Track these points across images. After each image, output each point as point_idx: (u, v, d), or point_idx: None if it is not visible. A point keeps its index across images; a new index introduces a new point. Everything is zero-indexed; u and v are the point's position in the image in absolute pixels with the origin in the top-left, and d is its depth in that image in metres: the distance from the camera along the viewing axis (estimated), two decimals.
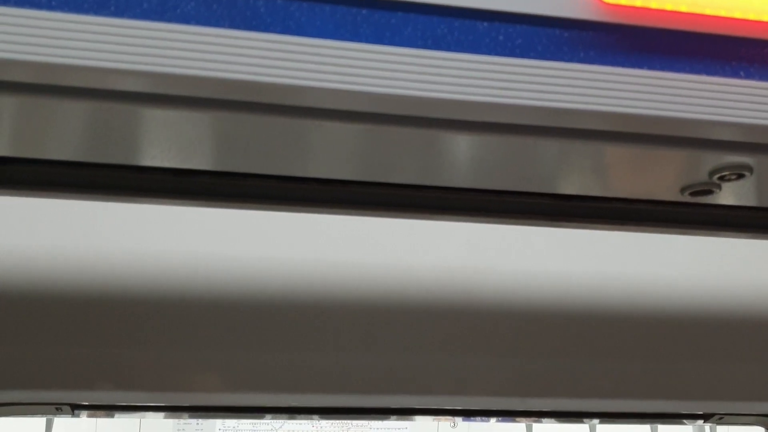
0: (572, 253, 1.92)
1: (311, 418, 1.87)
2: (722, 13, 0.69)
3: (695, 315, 1.91)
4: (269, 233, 1.72)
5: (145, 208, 1.53)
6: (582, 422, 2.19)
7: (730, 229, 0.96)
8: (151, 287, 1.58)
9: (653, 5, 0.67)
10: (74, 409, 1.66)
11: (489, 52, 0.64)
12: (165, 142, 0.75)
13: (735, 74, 0.68)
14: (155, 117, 0.68)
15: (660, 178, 0.80)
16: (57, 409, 1.65)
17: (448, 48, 0.64)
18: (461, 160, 0.78)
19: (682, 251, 1.97)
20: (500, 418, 2.11)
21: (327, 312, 1.76)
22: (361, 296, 1.78)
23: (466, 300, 1.86)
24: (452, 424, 5.14)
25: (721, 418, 1.91)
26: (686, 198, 0.84)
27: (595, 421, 2.21)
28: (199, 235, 1.62)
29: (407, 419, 4.45)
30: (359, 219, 1.82)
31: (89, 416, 1.77)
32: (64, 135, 0.75)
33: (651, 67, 0.67)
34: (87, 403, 1.66)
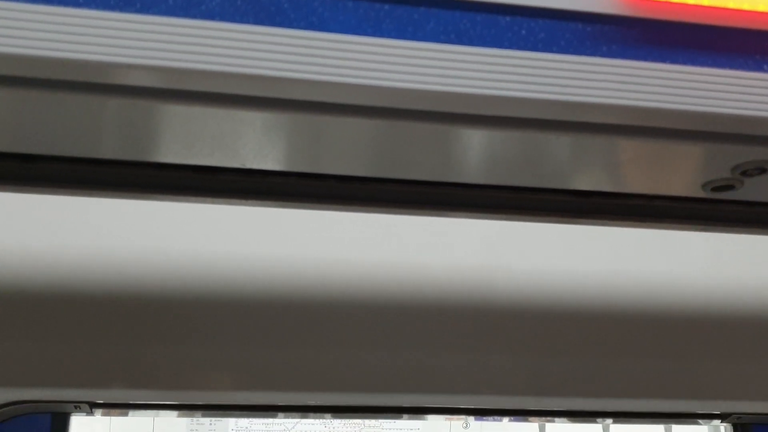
0: (587, 252, 1.91)
1: (323, 417, 1.87)
2: (745, 6, 0.68)
3: (712, 314, 1.90)
4: (283, 232, 1.72)
5: (163, 208, 1.54)
6: (595, 422, 2.18)
7: (751, 226, 0.96)
8: (167, 287, 1.58)
9: None
10: (92, 407, 1.67)
11: (511, 47, 0.64)
12: (185, 138, 0.75)
13: (759, 68, 0.68)
14: (176, 113, 0.69)
15: (681, 173, 0.80)
16: (75, 407, 1.66)
17: (470, 42, 0.64)
18: (484, 155, 0.77)
19: (700, 249, 1.96)
20: (513, 418, 2.10)
21: (340, 310, 1.76)
22: (374, 295, 1.79)
23: (479, 299, 1.86)
24: (465, 425, 5.11)
25: (739, 418, 1.90)
26: (708, 194, 0.84)
27: (609, 421, 2.21)
28: (214, 234, 1.63)
29: (420, 418, 4.44)
30: (373, 218, 1.83)
31: (103, 414, 1.78)
32: (85, 132, 0.75)
33: (673, 61, 0.67)
34: (104, 402, 1.67)
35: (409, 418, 4.46)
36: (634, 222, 0.98)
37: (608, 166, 0.78)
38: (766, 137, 0.70)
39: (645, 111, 0.66)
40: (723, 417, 1.91)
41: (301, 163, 0.80)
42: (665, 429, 2.68)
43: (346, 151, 0.76)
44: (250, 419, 1.84)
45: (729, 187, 0.81)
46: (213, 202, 0.89)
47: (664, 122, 0.67)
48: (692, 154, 0.74)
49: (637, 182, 0.83)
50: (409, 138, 0.72)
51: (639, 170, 0.79)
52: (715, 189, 0.82)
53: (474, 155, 0.78)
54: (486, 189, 0.93)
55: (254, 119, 0.68)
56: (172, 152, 0.78)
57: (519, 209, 0.98)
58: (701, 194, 0.84)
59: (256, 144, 0.74)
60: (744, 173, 0.77)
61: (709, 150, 0.73)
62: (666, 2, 0.67)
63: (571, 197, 0.96)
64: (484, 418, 1.95)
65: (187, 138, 0.74)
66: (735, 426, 1.84)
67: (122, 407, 1.71)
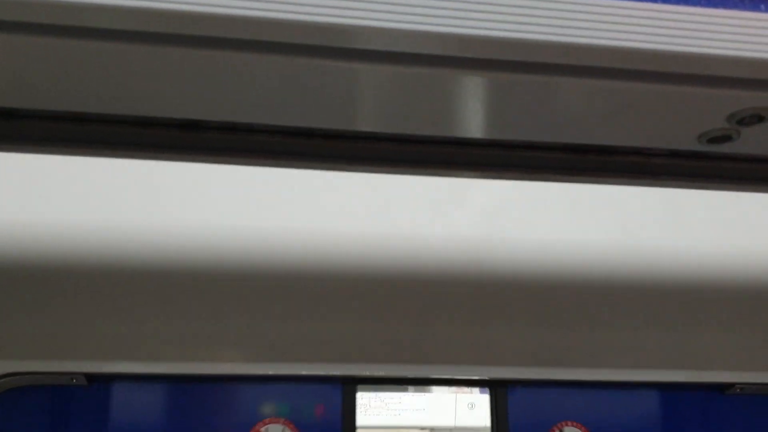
0: (588, 222, 1.89)
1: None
2: None
3: (716, 285, 1.88)
4: (283, 205, 1.71)
5: (161, 179, 1.52)
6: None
7: (750, 183, 0.94)
8: (170, 260, 1.57)
9: None
10: (89, 379, 1.67)
11: None
12: (167, 90, 0.73)
13: (755, 8, 0.65)
14: (162, 60, 0.67)
15: (676, 123, 0.77)
16: (72, 378, 1.66)
17: None
18: (473, 105, 0.75)
19: (703, 219, 1.93)
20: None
21: (344, 283, 1.75)
22: (378, 267, 1.77)
23: (482, 270, 1.84)
24: (470, 405, 5.13)
25: (741, 389, 1.88)
26: (704, 146, 0.82)
27: None
28: (215, 207, 1.61)
29: (425, 391, 4.47)
30: (375, 190, 1.80)
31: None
32: (73, 83, 0.73)
33: (665, 1, 0.64)
34: (101, 372, 1.67)
35: (415, 391, 4.48)
36: (631, 180, 0.96)
37: (600, 114, 0.76)
38: (763, 81, 0.68)
39: (635, 53, 0.64)
40: (725, 387, 1.90)
41: (285, 118, 0.78)
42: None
43: (334, 100, 0.74)
44: None
45: (726, 138, 0.79)
46: (196, 161, 0.87)
47: (655, 65, 0.65)
48: (685, 101, 0.72)
49: (630, 134, 0.81)
50: (400, 86, 0.70)
51: (631, 120, 0.77)
52: (712, 140, 0.80)
53: (466, 103, 0.75)
54: (483, 147, 0.91)
55: (218, 63, 0.65)
56: (154, 106, 0.77)
57: (515, 167, 0.96)
58: (697, 147, 0.82)
59: (237, 95, 0.72)
60: (740, 122, 0.75)
61: (702, 96, 0.70)
62: None
63: (567, 154, 0.94)
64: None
65: (167, 89, 0.72)
66: (491, 391, 1.84)
67: (120, 379, 1.71)
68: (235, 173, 1.54)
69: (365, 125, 0.83)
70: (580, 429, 1.83)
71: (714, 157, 0.90)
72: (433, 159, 0.93)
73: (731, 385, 1.89)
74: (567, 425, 1.85)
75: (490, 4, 0.62)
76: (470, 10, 0.61)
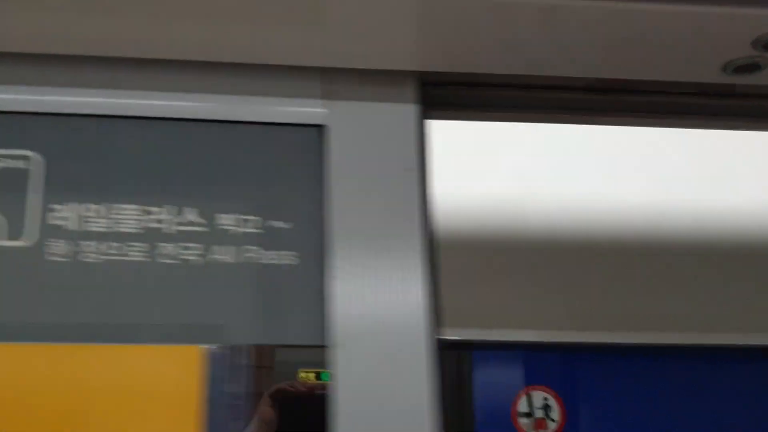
0: (624, 179, 1.82)
1: None
2: None
3: (759, 239, 1.80)
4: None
5: None
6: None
7: None
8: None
9: None
10: None
11: None
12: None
13: None
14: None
15: (698, 51, 0.72)
16: None
17: None
18: (493, 38, 0.71)
19: (748, 176, 1.85)
20: None
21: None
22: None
23: (513, 230, 1.79)
24: None
25: None
26: (730, 77, 0.77)
27: None
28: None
29: None
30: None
31: None
32: None
33: None
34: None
35: None
36: (656, 119, 0.92)
37: (616, 43, 0.71)
38: None
39: None
40: None
41: None
42: None
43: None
44: None
45: (753, 68, 0.74)
46: None
47: None
48: (706, 24, 0.67)
49: (649, 65, 0.76)
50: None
51: (649, 49, 0.72)
52: (738, 70, 0.75)
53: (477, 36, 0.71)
54: (503, 88, 0.88)
55: None
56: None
57: (537, 109, 0.92)
58: (723, 79, 0.77)
59: None
60: (767, 47, 0.70)
61: (725, 18, 0.65)
62: None
63: (590, 95, 0.90)
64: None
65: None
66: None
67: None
68: None
69: None
70: (548, 393, 1.77)
71: (742, 94, 0.84)
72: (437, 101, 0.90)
73: None
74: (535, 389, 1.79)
75: None
76: None
